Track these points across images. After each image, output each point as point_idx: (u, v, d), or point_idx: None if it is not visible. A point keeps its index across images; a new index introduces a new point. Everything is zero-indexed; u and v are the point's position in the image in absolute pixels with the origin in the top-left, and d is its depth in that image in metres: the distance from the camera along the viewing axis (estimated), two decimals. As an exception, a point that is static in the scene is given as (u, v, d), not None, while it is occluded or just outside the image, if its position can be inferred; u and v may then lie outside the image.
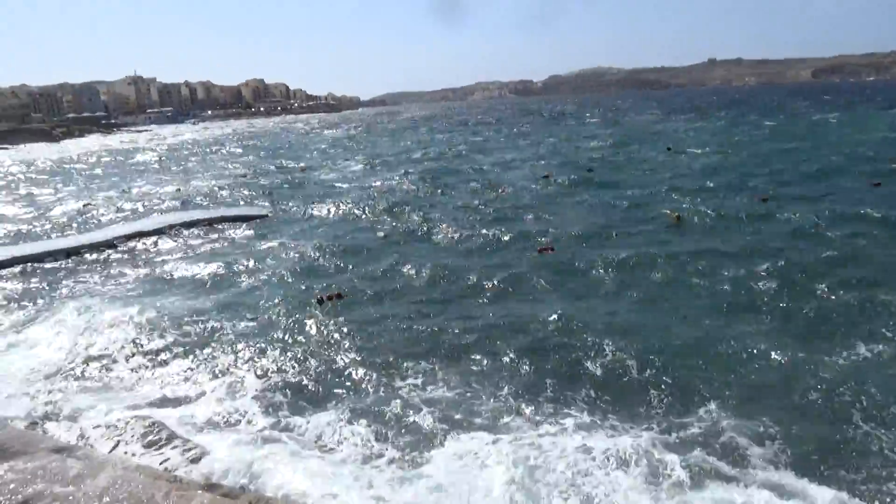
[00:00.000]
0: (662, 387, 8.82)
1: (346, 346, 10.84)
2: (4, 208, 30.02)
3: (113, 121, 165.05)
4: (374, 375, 9.69)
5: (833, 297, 11.64)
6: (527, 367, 9.73)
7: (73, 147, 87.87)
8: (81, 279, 16.05)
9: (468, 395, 8.97)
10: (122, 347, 11.32)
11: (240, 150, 60.60)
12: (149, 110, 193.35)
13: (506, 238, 17.75)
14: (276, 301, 13.14)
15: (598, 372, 9.38)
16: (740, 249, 14.79)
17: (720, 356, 9.62)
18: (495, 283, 13.60)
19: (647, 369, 9.30)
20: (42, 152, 76.50)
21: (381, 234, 19.31)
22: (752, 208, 18.74)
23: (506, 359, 10.03)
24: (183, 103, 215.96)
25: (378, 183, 32.18)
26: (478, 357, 10.21)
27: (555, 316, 11.43)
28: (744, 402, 8.36)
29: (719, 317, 11.13)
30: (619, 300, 12.25)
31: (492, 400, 8.80)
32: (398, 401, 8.81)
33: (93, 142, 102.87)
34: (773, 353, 9.53)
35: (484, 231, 18.91)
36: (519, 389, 9.07)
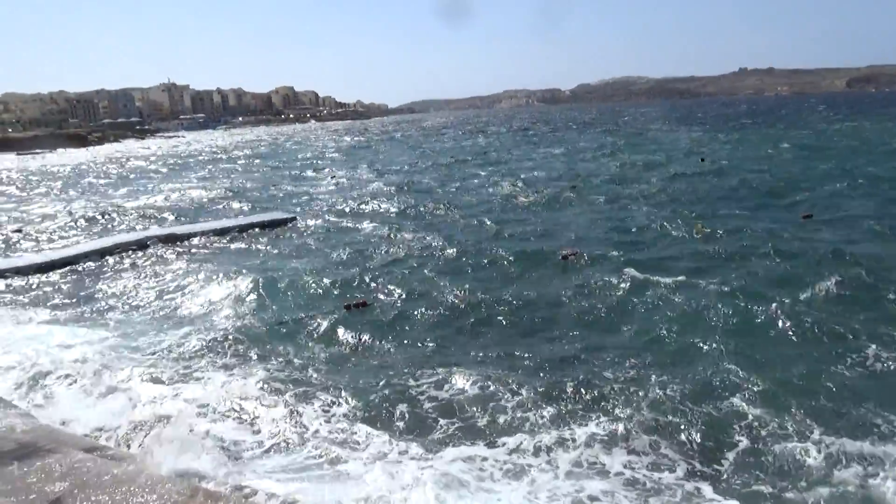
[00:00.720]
0: (693, 419, 8.07)
1: (371, 352, 10.69)
2: (35, 209, 30.55)
3: (147, 126, 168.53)
4: (396, 380, 9.46)
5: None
6: (545, 377, 9.37)
7: (103, 151, 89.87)
8: (118, 277, 16.13)
9: (484, 400, 8.68)
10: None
11: (258, 159, 60.97)
12: (181, 116, 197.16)
13: (528, 242, 17.39)
14: (306, 306, 13.03)
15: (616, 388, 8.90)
16: (769, 265, 14.05)
17: (748, 378, 8.81)
18: (518, 287, 13.27)
19: (667, 387, 8.80)
20: (63, 158, 78.20)
21: (404, 234, 19.10)
22: (788, 224, 17.79)
23: (527, 363, 9.76)
24: (215, 110, 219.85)
25: (398, 186, 32.03)
26: (499, 360, 9.99)
27: (576, 323, 11.07)
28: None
29: (735, 336, 10.37)
30: (641, 309, 11.79)
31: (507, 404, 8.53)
32: (415, 406, 8.59)
33: (123, 146, 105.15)
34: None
35: (505, 235, 18.60)
36: (535, 398, 8.72)
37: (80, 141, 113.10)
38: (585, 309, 11.98)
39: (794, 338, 10.13)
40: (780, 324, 10.54)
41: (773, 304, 11.11)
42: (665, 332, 10.58)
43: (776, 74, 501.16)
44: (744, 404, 8.05)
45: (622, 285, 12.91)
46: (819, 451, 7.04)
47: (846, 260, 13.70)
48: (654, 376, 8.96)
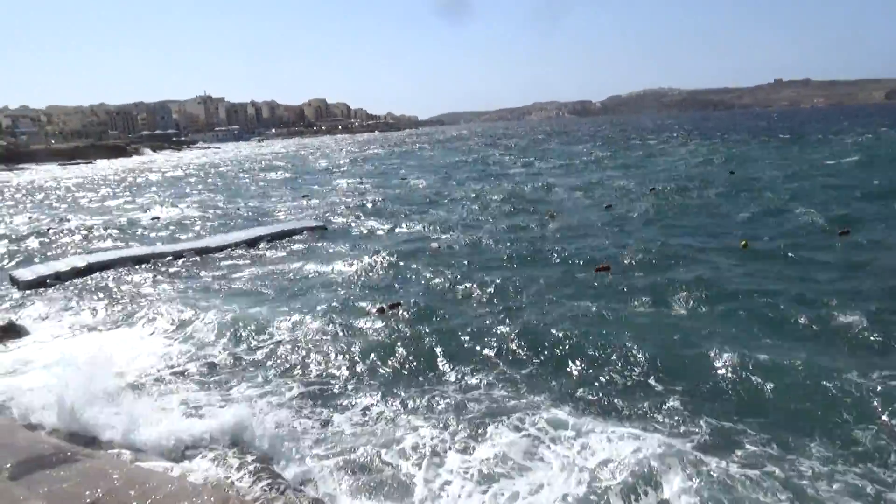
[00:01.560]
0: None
1: (403, 352, 10.76)
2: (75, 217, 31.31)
3: (183, 138, 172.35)
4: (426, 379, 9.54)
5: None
6: (567, 384, 9.26)
7: (134, 162, 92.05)
8: (156, 284, 16.51)
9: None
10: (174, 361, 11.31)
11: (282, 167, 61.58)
12: (216, 128, 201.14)
13: (562, 254, 17.20)
14: (340, 310, 13.12)
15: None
16: (816, 282, 13.56)
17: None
18: (552, 297, 13.12)
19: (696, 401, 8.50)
20: (97, 168, 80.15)
21: (434, 244, 19.09)
22: (829, 241, 17.21)
23: (552, 369, 9.67)
24: (249, 122, 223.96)
25: (430, 195, 32.12)
26: (523, 363, 9.96)
27: (605, 335, 10.88)
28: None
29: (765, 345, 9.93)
30: (669, 322, 11.48)
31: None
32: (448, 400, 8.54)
33: (158, 157, 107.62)
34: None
35: (538, 245, 18.42)
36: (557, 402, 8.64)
37: (120, 152, 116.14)
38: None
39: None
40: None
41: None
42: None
43: (812, 86, 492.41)
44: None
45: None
46: None
47: None
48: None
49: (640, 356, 9.78)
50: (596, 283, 14.28)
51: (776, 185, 28.65)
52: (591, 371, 9.64)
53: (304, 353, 11.02)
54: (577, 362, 9.91)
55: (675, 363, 9.57)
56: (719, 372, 9.15)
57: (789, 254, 15.76)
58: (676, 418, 8.06)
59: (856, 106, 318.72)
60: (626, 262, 15.86)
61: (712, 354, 9.55)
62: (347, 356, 10.75)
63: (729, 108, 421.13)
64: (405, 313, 12.67)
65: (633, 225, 21.32)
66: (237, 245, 20.56)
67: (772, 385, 8.64)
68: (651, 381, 9.14)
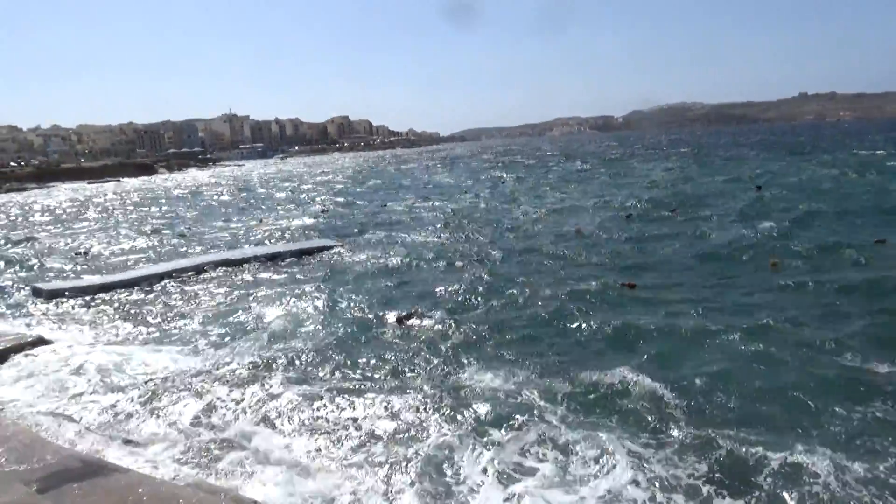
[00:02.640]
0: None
1: (420, 360, 11.10)
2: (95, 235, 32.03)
3: (208, 156, 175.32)
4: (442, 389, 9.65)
5: None
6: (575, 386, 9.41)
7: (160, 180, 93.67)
8: (179, 298, 16.91)
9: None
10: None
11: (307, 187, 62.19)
12: (241, 146, 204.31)
13: (584, 267, 17.24)
14: (358, 321, 13.49)
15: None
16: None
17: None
18: (573, 312, 13.16)
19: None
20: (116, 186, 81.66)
21: (456, 262, 19.21)
22: (858, 259, 16.91)
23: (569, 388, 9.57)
24: (273, 139, 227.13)
25: (447, 210, 32.40)
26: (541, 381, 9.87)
27: (628, 352, 10.89)
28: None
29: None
30: (697, 343, 11.43)
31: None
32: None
33: (183, 176, 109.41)
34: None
35: (559, 260, 18.56)
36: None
37: (147, 170, 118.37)
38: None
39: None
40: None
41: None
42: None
43: (838, 99, 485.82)
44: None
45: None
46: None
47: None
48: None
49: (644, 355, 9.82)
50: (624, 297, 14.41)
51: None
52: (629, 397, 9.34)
53: (329, 361, 11.27)
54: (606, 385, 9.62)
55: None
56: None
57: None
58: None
59: (884, 119, 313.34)
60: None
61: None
62: (367, 363, 11.07)
63: (753, 123, 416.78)
64: (422, 322, 13.02)
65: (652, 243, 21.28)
66: (256, 259, 20.99)
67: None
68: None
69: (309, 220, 33.00)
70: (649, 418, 8.62)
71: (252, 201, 49.10)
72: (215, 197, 56.74)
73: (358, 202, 42.76)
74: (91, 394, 10.54)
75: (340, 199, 45.55)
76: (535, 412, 8.84)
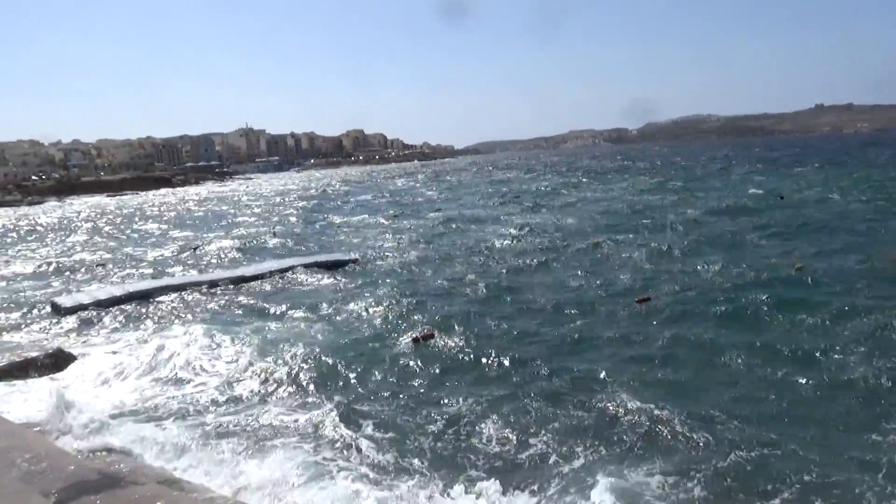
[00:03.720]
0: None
1: (436, 385, 10.96)
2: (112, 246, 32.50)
3: (225, 169, 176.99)
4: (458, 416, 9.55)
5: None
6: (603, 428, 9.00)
7: (181, 193, 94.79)
8: (192, 312, 17.16)
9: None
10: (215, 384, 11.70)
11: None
12: (257, 159, 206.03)
13: (598, 282, 17.22)
14: (375, 339, 13.55)
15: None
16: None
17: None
18: (593, 332, 13.16)
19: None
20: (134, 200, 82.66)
21: (470, 276, 19.27)
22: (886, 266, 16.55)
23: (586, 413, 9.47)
24: (288, 152, 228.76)
25: (459, 225, 32.61)
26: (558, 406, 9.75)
27: (649, 372, 10.85)
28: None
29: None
30: (717, 358, 11.38)
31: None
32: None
33: (201, 189, 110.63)
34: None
35: (575, 273, 18.55)
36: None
37: (165, 183, 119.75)
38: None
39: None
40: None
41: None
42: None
43: (855, 110, 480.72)
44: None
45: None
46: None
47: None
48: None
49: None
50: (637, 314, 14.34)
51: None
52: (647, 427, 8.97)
53: (339, 380, 11.33)
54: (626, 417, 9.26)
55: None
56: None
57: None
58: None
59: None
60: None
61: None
62: (381, 383, 11.09)
63: (769, 135, 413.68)
64: (439, 342, 12.96)
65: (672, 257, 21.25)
66: (271, 274, 21.14)
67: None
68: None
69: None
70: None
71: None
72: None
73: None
74: (111, 406, 10.73)
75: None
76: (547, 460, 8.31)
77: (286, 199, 67.68)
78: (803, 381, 9.90)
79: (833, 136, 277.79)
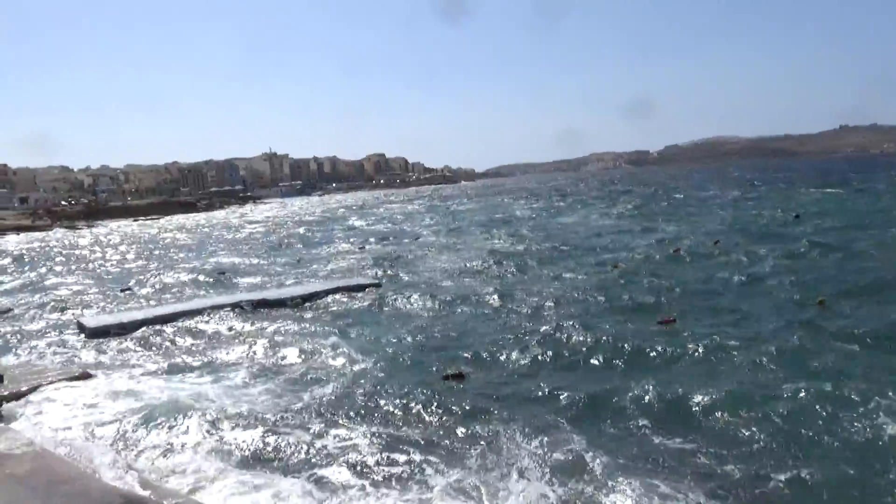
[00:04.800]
0: None
1: (466, 425, 10.48)
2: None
3: (249, 193, 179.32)
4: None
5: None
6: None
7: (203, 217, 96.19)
8: (213, 336, 17.48)
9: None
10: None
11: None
12: (280, 184, 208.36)
13: (622, 305, 17.16)
14: (400, 374, 13.24)
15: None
16: None
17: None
18: (612, 356, 13.12)
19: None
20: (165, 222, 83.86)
21: (491, 300, 19.23)
22: None
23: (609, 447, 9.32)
24: (311, 177, 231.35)
25: (482, 247, 32.65)
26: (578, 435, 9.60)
27: (672, 395, 10.76)
28: None
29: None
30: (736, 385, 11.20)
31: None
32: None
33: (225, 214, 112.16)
34: None
35: (597, 296, 18.50)
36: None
37: (190, 208, 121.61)
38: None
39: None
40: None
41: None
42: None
43: (880, 130, 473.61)
44: None
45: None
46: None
47: None
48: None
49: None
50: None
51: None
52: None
53: (364, 410, 11.20)
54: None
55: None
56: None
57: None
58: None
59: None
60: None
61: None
62: (411, 424, 10.69)
63: (791, 156, 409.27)
64: (469, 383, 12.44)
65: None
66: (293, 299, 21.30)
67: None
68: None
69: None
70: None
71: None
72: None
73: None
74: (133, 429, 10.82)
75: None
76: None
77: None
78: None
79: (856, 157, 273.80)
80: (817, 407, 9.82)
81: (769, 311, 15.94)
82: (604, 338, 14.20)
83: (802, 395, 10.26)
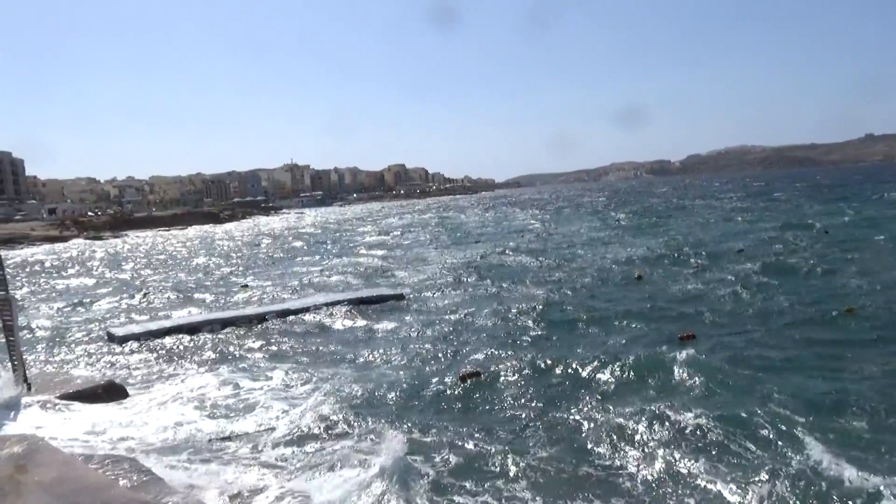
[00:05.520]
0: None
1: (478, 427, 10.68)
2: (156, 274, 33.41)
3: (270, 204, 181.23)
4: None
5: None
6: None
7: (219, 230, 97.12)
8: (240, 345, 17.45)
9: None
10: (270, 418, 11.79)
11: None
12: (302, 194, 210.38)
13: (642, 319, 16.95)
14: (421, 377, 13.45)
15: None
16: None
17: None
18: (628, 372, 12.80)
19: None
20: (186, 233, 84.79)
21: (513, 311, 19.16)
22: None
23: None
24: (332, 187, 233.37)
25: (505, 258, 32.47)
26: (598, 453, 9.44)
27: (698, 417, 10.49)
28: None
29: None
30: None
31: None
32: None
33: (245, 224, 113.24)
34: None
35: (619, 309, 18.25)
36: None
37: (213, 218, 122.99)
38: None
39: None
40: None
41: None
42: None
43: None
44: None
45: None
46: None
47: None
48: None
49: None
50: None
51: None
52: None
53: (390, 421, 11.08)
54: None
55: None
56: None
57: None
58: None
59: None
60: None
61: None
62: (434, 422, 10.91)
63: (816, 165, 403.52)
64: (484, 381, 12.68)
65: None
66: (317, 308, 21.37)
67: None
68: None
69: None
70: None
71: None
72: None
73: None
74: (162, 439, 10.84)
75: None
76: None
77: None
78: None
79: (884, 166, 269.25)
80: None
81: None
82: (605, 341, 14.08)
83: None
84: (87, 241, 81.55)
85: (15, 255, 60.37)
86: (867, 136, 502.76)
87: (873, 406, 10.01)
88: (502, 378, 12.89)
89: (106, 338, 18.98)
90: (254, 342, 17.61)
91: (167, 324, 19.67)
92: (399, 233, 61.87)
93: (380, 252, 42.65)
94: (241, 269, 38.22)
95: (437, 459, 9.31)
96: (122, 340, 18.12)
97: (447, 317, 19.42)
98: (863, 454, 8.52)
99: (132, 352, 17.32)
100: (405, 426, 10.65)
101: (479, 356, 14.64)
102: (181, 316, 21.99)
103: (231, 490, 8.72)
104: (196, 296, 27.57)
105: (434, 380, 13.06)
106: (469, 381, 12.75)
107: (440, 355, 15.09)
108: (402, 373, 13.78)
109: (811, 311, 16.63)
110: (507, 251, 36.38)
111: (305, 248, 51.99)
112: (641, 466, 8.81)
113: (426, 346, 16.01)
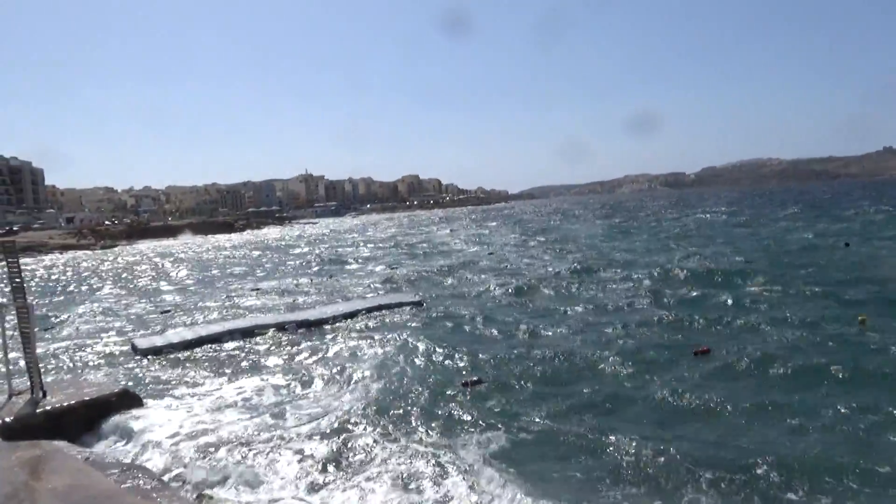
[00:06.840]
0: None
1: (477, 433, 10.63)
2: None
3: (285, 214, 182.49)
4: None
5: None
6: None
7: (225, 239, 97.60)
8: (263, 354, 17.37)
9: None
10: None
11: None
12: (316, 205, 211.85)
13: (654, 332, 16.61)
14: (430, 383, 13.53)
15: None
16: None
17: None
18: (646, 387, 12.52)
19: None
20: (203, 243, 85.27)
21: (522, 318, 19.11)
22: None
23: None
24: (346, 197, 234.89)
25: (518, 266, 32.15)
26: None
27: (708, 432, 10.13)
28: None
29: None
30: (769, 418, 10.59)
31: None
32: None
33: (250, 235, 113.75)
34: None
35: (631, 323, 17.91)
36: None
37: (227, 228, 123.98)
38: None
39: None
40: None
41: None
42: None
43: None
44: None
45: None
46: None
47: None
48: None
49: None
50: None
51: None
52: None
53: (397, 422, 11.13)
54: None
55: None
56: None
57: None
58: None
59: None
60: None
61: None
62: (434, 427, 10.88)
63: (833, 178, 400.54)
64: (485, 389, 12.85)
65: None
66: (336, 318, 21.20)
67: None
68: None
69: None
70: None
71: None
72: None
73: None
74: (181, 449, 10.62)
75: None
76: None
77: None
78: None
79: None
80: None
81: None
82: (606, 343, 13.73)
83: None
84: (102, 251, 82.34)
85: (36, 263, 61.04)
86: (885, 149, 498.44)
87: None
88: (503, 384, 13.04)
89: (130, 348, 18.89)
90: (275, 352, 17.45)
91: (188, 335, 19.53)
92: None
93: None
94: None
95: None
96: (145, 352, 18.02)
97: (463, 321, 19.17)
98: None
99: (153, 363, 17.17)
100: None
101: (486, 361, 14.76)
102: (202, 327, 21.83)
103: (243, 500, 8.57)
104: (210, 304, 27.56)
105: (441, 385, 13.14)
106: (472, 388, 12.95)
107: (449, 360, 15.12)
108: (410, 378, 13.72)
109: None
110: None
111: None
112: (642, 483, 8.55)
113: (439, 351, 16.00)
